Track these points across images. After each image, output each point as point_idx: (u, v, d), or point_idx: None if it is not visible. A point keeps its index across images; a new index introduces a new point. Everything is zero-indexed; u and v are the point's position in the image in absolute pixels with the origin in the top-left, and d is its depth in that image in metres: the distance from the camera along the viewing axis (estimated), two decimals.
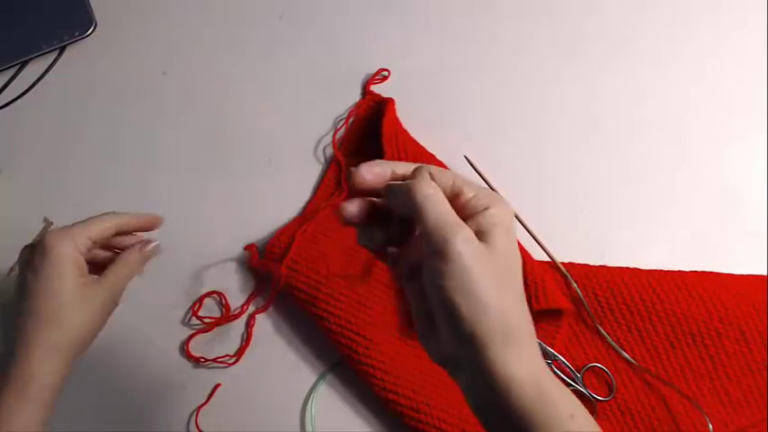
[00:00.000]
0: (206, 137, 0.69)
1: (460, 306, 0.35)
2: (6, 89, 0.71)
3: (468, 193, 0.38)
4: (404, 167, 0.39)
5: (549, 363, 0.60)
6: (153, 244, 0.55)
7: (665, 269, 0.63)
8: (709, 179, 0.67)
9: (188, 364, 0.62)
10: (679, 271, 0.63)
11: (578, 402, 0.37)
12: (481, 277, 0.35)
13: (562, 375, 0.60)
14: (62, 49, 0.72)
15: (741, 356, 0.60)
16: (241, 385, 0.61)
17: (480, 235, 0.37)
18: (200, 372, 0.62)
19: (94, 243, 0.51)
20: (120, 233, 0.54)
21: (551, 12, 0.72)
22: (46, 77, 0.72)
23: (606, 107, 0.69)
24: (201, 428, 0.60)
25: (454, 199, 0.38)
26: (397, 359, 0.59)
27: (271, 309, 0.63)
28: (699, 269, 0.63)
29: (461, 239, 0.35)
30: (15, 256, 0.66)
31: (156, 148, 0.69)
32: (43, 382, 0.47)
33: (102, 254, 0.54)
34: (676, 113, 0.69)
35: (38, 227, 0.66)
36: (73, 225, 0.51)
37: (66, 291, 0.48)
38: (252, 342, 0.62)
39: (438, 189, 0.37)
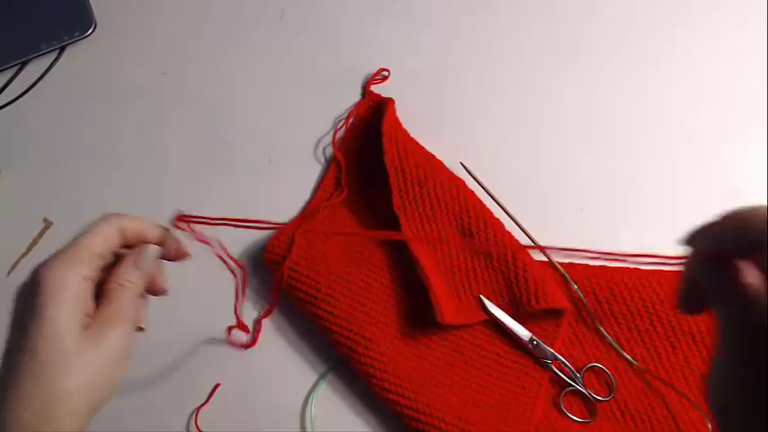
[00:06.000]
0: (206, 137, 0.70)
1: None
2: (6, 89, 0.72)
3: None
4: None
5: (548, 363, 0.60)
6: (152, 248, 0.43)
7: (665, 269, 0.62)
8: (710, 179, 0.67)
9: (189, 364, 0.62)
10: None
11: None
12: None
13: (562, 375, 0.60)
14: (62, 49, 0.72)
15: None
16: (241, 385, 0.61)
17: None
18: (201, 372, 0.62)
19: (104, 257, 0.42)
20: (128, 243, 0.43)
21: (551, 11, 0.72)
22: (46, 77, 0.72)
23: (606, 107, 0.69)
24: (201, 428, 0.60)
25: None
26: (397, 359, 0.59)
27: None
28: None
29: None
30: (15, 256, 0.66)
31: (156, 148, 0.69)
32: None
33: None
34: (676, 113, 0.69)
35: (38, 227, 0.67)
36: (72, 243, 0.41)
37: (67, 337, 0.39)
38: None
39: None
